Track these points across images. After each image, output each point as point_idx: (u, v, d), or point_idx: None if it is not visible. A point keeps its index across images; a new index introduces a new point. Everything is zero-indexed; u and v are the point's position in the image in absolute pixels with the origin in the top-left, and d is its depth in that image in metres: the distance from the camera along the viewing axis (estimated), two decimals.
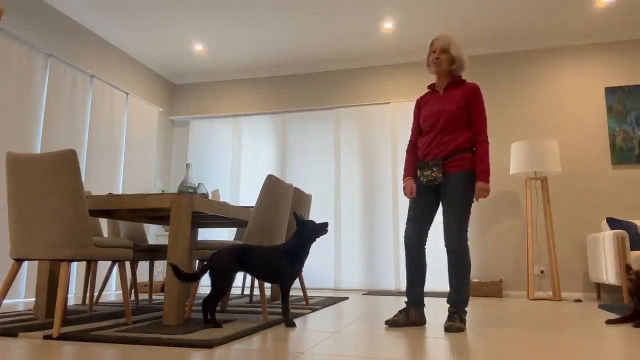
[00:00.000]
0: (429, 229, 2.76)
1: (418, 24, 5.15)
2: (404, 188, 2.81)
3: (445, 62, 2.71)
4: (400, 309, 3.06)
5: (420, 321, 2.69)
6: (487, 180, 2.57)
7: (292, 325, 2.59)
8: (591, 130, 5.19)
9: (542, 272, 5.07)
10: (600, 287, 4.76)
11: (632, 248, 4.29)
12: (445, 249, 2.62)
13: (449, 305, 2.62)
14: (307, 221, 2.72)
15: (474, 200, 2.60)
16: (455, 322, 2.48)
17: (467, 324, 2.79)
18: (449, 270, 2.60)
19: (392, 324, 2.63)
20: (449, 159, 2.63)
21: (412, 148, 2.86)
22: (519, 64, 5.53)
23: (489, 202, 5.35)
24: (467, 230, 2.59)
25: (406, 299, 2.78)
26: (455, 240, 2.56)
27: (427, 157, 2.68)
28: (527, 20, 5.03)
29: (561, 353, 1.94)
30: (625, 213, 4.95)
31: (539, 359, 1.83)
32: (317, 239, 3.33)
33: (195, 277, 2.48)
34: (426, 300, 4.36)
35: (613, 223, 4.51)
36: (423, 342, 2.18)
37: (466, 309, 2.56)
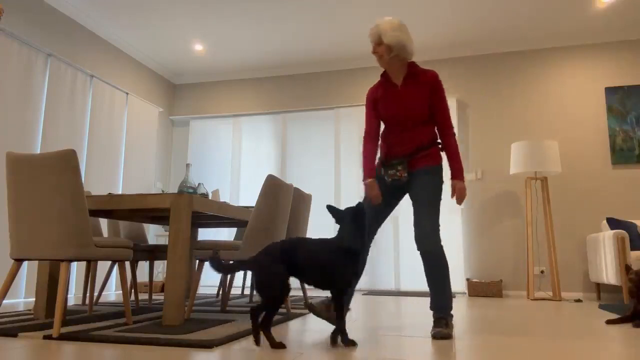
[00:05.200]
0: (377, 229, 2.56)
1: (418, 24, 5.14)
2: (368, 192, 2.47)
3: (384, 53, 2.42)
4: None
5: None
6: (463, 178, 2.43)
7: (352, 344, 2.04)
8: (591, 130, 5.19)
9: (542, 272, 5.07)
10: (600, 287, 4.76)
11: (632, 248, 4.29)
12: (419, 251, 2.38)
13: (433, 312, 2.39)
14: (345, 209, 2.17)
15: (457, 204, 2.44)
16: (442, 328, 2.29)
17: (466, 324, 2.79)
18: (427, 274, 2.36)
19: (311, 309, 2.31)
20: (414, 156, 2.43)
21: (371, 138, 2.52)
22: (519, 64, 5.52)
23: (489, 202, 5.35)
24: (439, 230, 2.38)
25: None
26: (431, 241, 2.34)
27: (391, 155, 2.47)
28: (528, 20, 5.03)
29: (561, 353, 1.94)
30: (625, 213, 4.95)
31: (539, 359, 1.82)
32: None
33: (235, 269, 2.05)
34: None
35: (613, 223, 4.51)
36: (423, 342, 2.18)
37: (451, 311, 2.42)
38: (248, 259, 2.04)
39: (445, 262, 2.36)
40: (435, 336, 2.26)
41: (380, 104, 2.50)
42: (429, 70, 2.47)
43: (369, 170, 2.49)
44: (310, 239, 2.10)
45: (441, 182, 2.44)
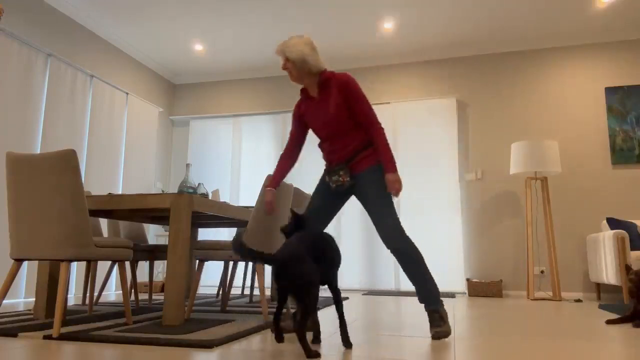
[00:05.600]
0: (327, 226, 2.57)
1: (418, 24, 5.15)
2: (265, 197, 2.56)
3: (292, 69, 2.42)
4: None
5: (312, 327, 2.32)
6: (395, 170, 2.34)
7: (349, 346, 2.03)
8: (591, 130, 5.19)
9: (542, 272, 5.07)
10: (600, 287, 4.76)
11: (632, 248, 4.29)
12: (389, 250, 2.36)
13: (423, 305, 2.38)
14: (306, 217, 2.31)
15: (394, 197, 2.34)
16: (440, 327, 2.26)
17: (466, 324, 2.78)
18: (404, 270, 2.35)
19: (283, 331, 2.36)
20: (352, 160, 2.41)
21: (286, 155, 2.60)
22: (519, 64, 5.52)
23: (489, 202, 5.35)
24: (399, 222, 2.35)
25: None
26: (397, 237, 2.32)
27: (332, 161, 2.47)
28: (528, 20, 5.03)
29: (561, 353, 1.94)
30: (625, 213, 4.95)
31: (539, 358, 1.82)
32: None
33: (260, 258, 1.82)
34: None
35: (613, 223, 4.51)
36: (423, 342, 2.18)
37: (440, 300, 2.33)
38: (278, 253, 1.83)
39: (417, 254, 2.32)
40: (434, 337, 2.25)
41: (306, 118, 2.53)
42: (339, 75, 2.42)
43: (272, 182, 2.59)
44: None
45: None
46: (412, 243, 2.35)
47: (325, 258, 1.98)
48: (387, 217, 2.34)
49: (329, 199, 2.49)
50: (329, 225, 5.70)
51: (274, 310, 3.33)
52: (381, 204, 2.35)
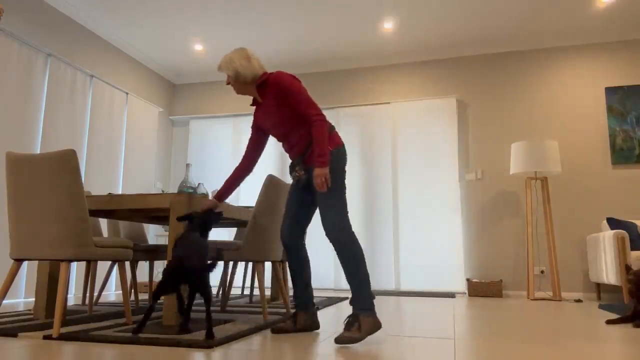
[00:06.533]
0: (300, 229, 2.54)
1: (418, 24, 5.15)
2: (203, 203, 2.63)
3: (234, 84, 2.51)
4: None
5: (311, 326, 2.48)
6: (324, 164, 2.26)
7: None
8: (591, 130, 5.19)
9: (542, 272, 5.07)
10: (600, 287, 4.76)
11: (632, 248, 4.29)
12: (331, 242, 2.33)
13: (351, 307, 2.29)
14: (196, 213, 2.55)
15: (325, 189, 2.27)
16: (349, 333, 2.13)
17: (466, 324, 2.78)
18: (343, 268, 2.30)
19: (277, 330, 2.43)
20: (305, 154, 2.44)
21: (240, 165, 2.64)
22: (519, 64, 5.52)
23: (489, 202, 5.35)
24: (346, 216, 2.32)
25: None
26: (336, 230, 2.28)
27: (292, 158, 2.54)
28: (527, 20, 5.03)
29: (561, 353, 1.94)
30: (625, 213, 4.95)
31: (539, 359, 1.82)
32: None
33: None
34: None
35: (613, 223, 4.51)
36: (423, 342, 2.18)
37: (370, 308, 2.20)
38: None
39: (354, 250, 2.27)
40: (336, 340, 2.10)
41: (260, 124, 2.59)
42: (271, 76, 2.45)
43: (217, 194, 2.62)
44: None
45: (335, 169, 2.36)
46: (352, 239, 2.29)
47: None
48: (330, 209, 2.32)
49: (298, 196, 2.54)
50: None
51: (274, 310, 3.33)
52: (326, 196, 2.33)
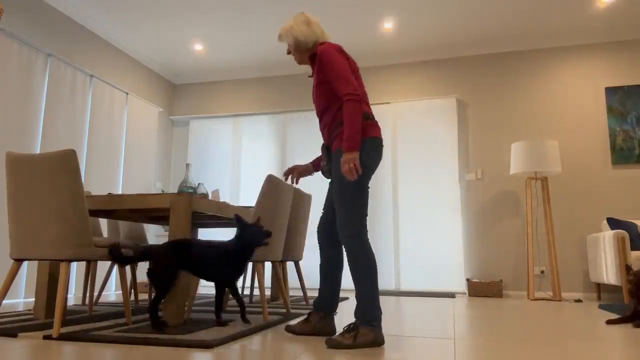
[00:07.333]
0: (330, 227, 2.35)
1: (418, 24, 5.14)
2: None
3: (294, 53, 2.31)
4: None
5: (322, 330, 2.28)
6: (353, 149, 1.97)
7: (222, 324, 2.56)
8: (591, 130, 5.19)
9: (542, 272, 5.07)
10: (600, 287, 4.76)
11: (632, 248, 4.29)
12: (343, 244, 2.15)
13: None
14: (249, 225, 2.53)
15: (354, 177, 1.99)
16: (342, 337, 2.00)
17: (466, 324, 2.78)
18: (351, 273, 2.09)
19: (289, 329, 2.34)
20: (331, 142, 2.22)
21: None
22: (519, 64, 5.52)
23: (489, 202, 5.35)
24: (358, 221, 2.05)
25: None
26: (341, 235, 2.09)
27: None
28: (527, 20, 5.03)
29: (561, 353, 1.94)
30: (625, 213, 4.95)
31: (539, 359, 1.82)
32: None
33: (132, 260, 2.39)
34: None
35: (613, 223, 4.51)
36: (423, 342, 2.17)
37: (373, 323, 1.99)
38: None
39: (364, 260, 2.03)
40: (326, 342, 2.02)
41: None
42: (319, 48, 2.19)
43: (313, 162, 2.56)
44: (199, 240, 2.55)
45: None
46: (360, 247, 2.05)
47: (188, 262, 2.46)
48: (342, 209, 2.08)
49: (331, 190, 2.34)
50: None
51: (274, 310, 3.33)
52: (338, 193, 2.09)
